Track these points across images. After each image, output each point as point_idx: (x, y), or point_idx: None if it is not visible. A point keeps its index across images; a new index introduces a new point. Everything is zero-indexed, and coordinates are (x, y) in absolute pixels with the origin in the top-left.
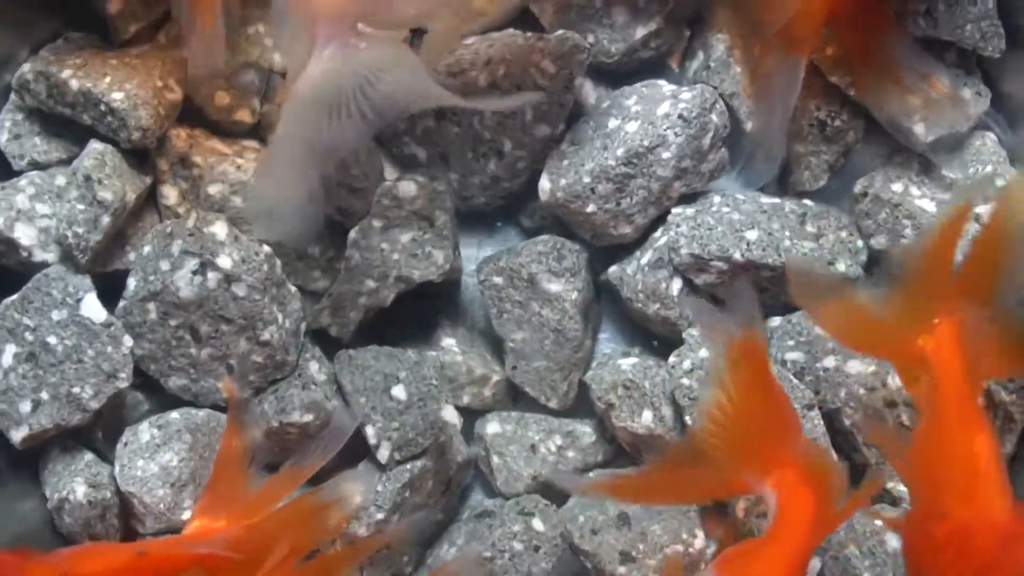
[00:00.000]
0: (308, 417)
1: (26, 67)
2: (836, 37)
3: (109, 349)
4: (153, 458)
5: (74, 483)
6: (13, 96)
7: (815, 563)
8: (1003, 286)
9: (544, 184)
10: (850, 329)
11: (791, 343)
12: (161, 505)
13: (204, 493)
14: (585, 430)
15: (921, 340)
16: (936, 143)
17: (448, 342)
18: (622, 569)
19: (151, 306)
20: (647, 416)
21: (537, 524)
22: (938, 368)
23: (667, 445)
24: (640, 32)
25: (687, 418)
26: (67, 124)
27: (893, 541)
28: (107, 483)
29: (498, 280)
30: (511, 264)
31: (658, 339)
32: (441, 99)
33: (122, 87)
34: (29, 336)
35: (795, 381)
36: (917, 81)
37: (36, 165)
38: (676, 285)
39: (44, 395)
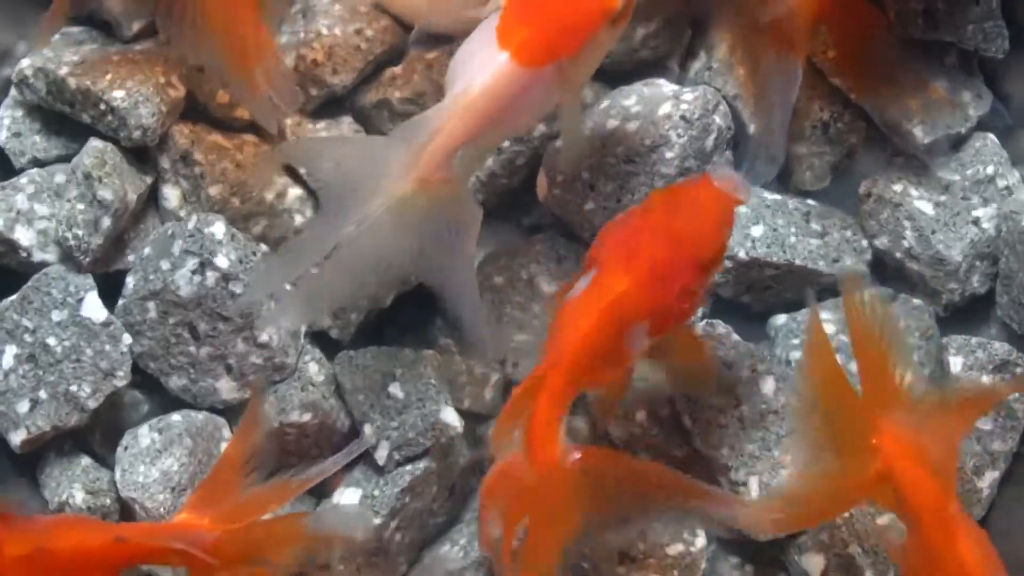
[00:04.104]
0: (306, 417)
1: (25, 63)
2: (830, 39)
3: (108, 348)
4: (154, 463)
5: (73, 489)
6: (13, 91)
7: (819, 560)
8: (903, 366)
9: (541, 181)
10: (813, 508)
11: (795, 342)
12: (162, 509)
13: (197, 488)
14: (580, 426)
15: (871, 468)
16: (934, 144)
17: (446, 342)
18: (621, 569)
19: (151, 304)
20: (640, 416)
21: None
22: (898, 479)
23: None
24: (639, 32)
25: (685, 419)
26: (67, 121)
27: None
28: (106, 489)
29: (499, 280)
30: (510, 264)
31: None
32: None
33: (123, 85)
34: (28, 338)
35: None
36: (914, 83)
37: (37, 162)
38: None
39: (42, 394)
